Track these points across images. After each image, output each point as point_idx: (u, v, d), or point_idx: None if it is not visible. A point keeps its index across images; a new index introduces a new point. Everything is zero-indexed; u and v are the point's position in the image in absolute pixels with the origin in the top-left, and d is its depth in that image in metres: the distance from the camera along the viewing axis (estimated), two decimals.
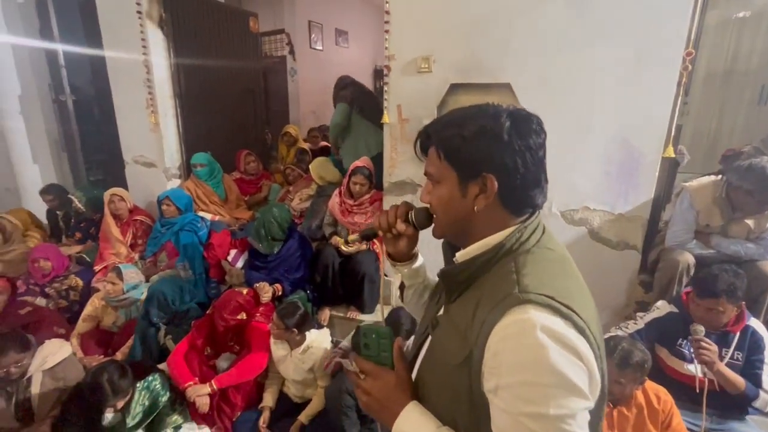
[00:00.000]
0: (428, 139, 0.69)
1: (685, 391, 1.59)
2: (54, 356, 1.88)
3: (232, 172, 3.52)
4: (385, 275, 2.57)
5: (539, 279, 0.58)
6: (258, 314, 2.24)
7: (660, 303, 1.80)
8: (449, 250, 0.75)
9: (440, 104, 2.17)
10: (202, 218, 2.89)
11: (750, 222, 1.87)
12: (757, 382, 1.55)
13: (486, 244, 0.64)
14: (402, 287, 0.90)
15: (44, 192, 3.23)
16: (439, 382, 0.65)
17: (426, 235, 0.76)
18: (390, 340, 0.69)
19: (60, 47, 3.45)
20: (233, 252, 2.75)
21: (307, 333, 2.03)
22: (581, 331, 0.54)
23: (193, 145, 3.29)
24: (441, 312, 0.71)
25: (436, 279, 0.81)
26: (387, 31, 2.17)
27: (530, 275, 0.58)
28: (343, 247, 2.52)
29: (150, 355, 2.27)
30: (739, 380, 1.53)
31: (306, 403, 2.02)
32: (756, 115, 3.49)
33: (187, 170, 3.27)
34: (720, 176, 1.97)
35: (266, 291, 2.34)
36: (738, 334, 1.60)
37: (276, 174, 3.92)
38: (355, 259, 2.46)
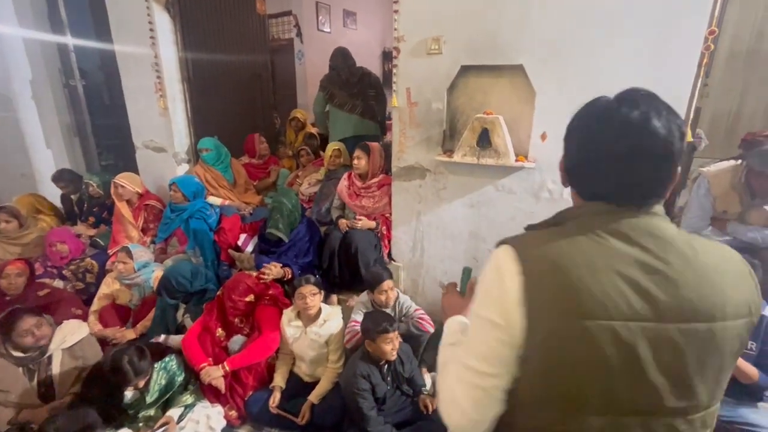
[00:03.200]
0: None
1: None
2: (73, 335, 1.95)
3: (241, 157, 3.52)
4: (393, 260, 2.58)
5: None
6: (267, 298, 2.27)
7: None
8: None
9: (450, 87, 2.13)
10: (211, 206, 2.91)
11: None
12: None
13: None
14: None
15: (56, 179, 3.27)
16: None
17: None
18: (467, 276, 1.03)
19: (70, 40, 3.43)
20: (243, 236, 2.79)
21: (322, 306, 2.10)
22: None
23: (202, 130, 3.30)
24: None
25: None
26: (396, 11, 2.12)
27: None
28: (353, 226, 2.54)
29: (167, 332, 2.33)
30: (753, 371, 1.53)
31: (316, 382, 2.07)
32: None
33: (196, 155, 3.28)
34: (740, 161, 1.91)
35: (270, 271, 2.32)
36: None
37: (284, 159, 3.91)
38: (350, 236, 2.46)
